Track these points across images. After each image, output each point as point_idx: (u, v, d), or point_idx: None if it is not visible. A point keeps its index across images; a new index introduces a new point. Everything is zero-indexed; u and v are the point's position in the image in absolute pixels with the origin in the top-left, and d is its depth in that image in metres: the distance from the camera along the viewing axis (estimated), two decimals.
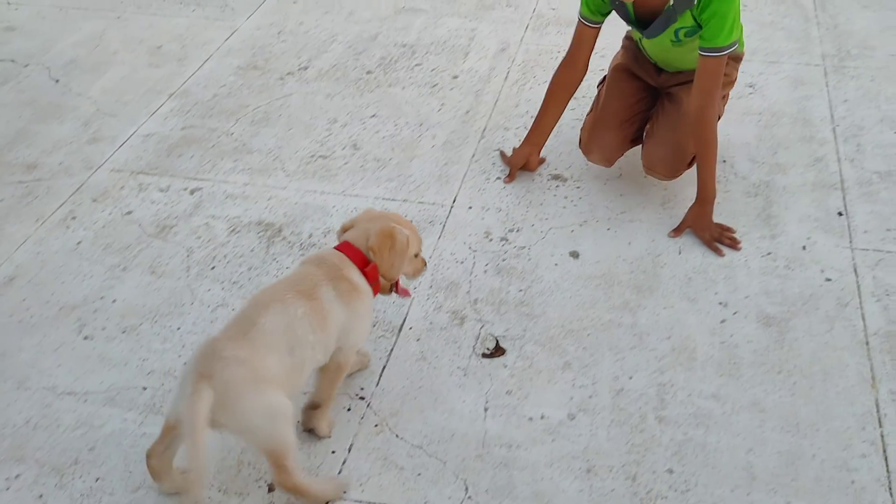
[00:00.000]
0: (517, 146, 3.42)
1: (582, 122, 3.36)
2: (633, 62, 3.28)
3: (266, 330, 2.14)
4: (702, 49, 2.89)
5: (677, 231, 3.11)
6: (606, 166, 3.31)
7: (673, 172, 3.14)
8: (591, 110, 3.33)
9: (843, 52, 4.08)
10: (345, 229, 2.43)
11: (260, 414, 2.09)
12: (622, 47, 3.37)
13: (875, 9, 4.43)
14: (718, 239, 3.06)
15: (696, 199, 3.09)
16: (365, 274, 2.33)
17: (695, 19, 2.87)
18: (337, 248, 2.37)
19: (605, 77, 3.35)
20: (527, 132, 3.39)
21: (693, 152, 3.09)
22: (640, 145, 3.29)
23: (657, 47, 3.10)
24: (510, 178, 3.38)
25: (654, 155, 3.13)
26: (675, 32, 2.94)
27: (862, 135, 3.54)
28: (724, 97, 3.25)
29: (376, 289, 2.38)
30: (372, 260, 2.33)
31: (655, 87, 3.26)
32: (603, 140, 3.22)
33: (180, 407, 2.05)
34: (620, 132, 3.21)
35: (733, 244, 3.05)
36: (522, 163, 3.37)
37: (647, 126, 3.23)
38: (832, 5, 4.47)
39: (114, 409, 2.53)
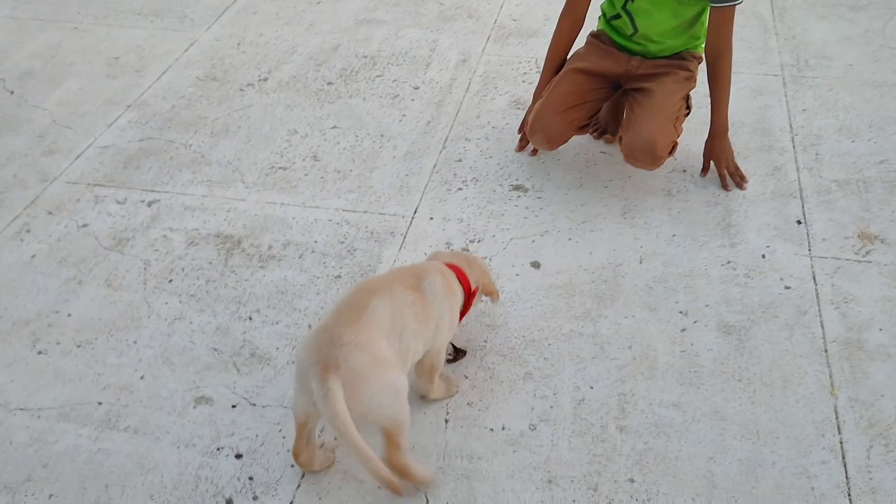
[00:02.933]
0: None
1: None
2: (595, 59, 3.31)
3: (377, 313, 2.18)
4: (714, 2, 3.05)
5: (704, 170, 3.38)
6: (549, 149, 3.39)
7: (654, 161, 3.17)
8: (541, 97, 3.36)
9: (801, 62, 4.12)
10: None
11: (386, 393, 2.12)
12: (586, 44, 3.40)
13: (832, 19, 4.48)
14: (733, 173, 3.33)
15: (710, 133, 3.31)
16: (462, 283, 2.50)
17: None
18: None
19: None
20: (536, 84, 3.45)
21: (672, 140, 3.19)
22: (607, 134, 3.54)
23: (651, 2, 3.13)
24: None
25: (635, 145, 3.15)
26: None
27: (820, 144, 3.57)
28: (688, 97, 3.27)
29: (467, 304, 2.52)
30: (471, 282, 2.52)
31: (619, 78, 3.30)
32: (546, 123, 3.27)
33: (320, 407, 2.05)
34: (565, 117, 3.26)
35: (741, 182, 3.33)
36: None
37: (624, 118, 3.30)
38: (790, 16, 4.52)
39: (68, 425, 2.48)
